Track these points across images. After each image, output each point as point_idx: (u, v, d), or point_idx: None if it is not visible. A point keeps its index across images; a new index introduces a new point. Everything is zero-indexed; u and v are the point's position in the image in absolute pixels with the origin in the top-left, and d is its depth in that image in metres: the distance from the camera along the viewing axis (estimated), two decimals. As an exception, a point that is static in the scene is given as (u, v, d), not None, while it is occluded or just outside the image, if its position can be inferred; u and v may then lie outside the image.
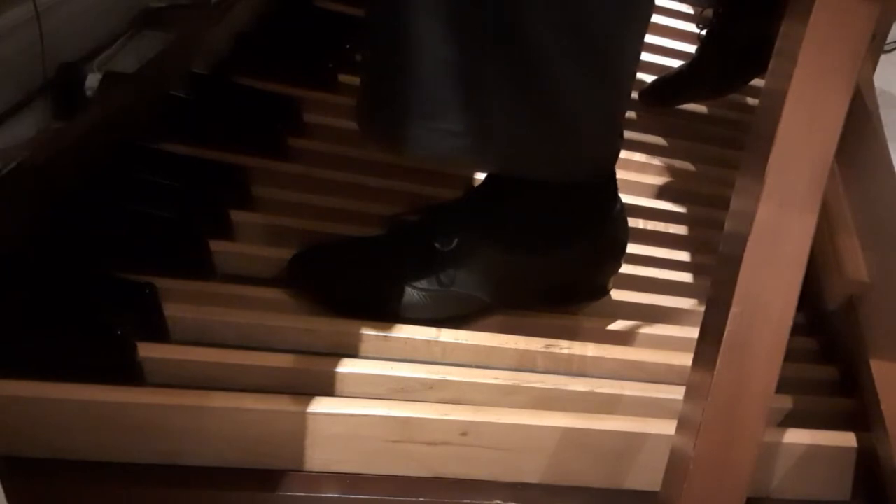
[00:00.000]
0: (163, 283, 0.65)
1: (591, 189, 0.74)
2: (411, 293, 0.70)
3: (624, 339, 0.77)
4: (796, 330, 0.64)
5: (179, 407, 0.58)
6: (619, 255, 0.78)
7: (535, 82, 0.64)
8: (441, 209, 0.75)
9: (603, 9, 0.63)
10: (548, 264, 0.74)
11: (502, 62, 0.63)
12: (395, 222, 0.78)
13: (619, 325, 0.78)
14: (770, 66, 0.60)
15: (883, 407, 0.71)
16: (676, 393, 0.67)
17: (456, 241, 0.70)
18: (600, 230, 0.76)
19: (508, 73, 0.63)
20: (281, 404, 0.60)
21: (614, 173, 0.76)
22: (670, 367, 0.74)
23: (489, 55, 0.62)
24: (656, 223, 0.93)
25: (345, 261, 0.73)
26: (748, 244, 0.54)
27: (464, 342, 0.70)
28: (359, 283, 0.71)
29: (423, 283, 0.71)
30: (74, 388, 0.56)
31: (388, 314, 0.70)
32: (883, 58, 1.02)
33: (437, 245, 0.71)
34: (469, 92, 0.63)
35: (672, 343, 0.77)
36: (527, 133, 0.66)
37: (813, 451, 0.69)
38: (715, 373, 0.54)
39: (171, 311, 0.65)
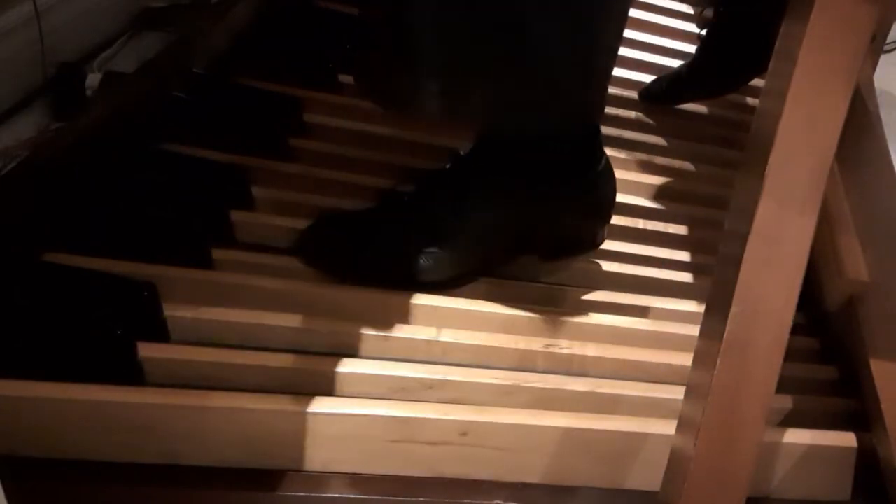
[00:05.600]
0: (163, 283, 0.65)
1: (573, 145, 0.76)
2: (419, 258, 0.74)
3: (624, 339, 0.76)
4: (796, 330, 0.64)
5: (180, 407, 0.58)
6: (607, 209, 0.81)
7: (513, 35, 0.66)
8: (433, 177, 0.79)
9: None
10: (535, 219, 0.77)
11: (481, 18, 0.65)
12: (392, 195, 0.82)
13: (619, 324, 0.78)
14: (770, 66, 0.60)
15: (883, 407, 0.71)
16: (676, 393, 0.67)
17: (450, 205, 0.75)
18: (585, 185, 0.78)
19: (487, 27, 0.65)
20: (281, 404, 0.60)
21: (598, 129, 0.78)
22: (670, 367, 0.74)
23: (469, 12, 0.65)
24: (656, 223, 0.93)
25: (356, 234, 0.76)
26: (748, 244, 0.54)
27: (464, 342, 0.70)
28: (374, 254, 0.75)
29: (431, 248, 0.74)
30: (74, 388, 0.57)
31: (401, 280, 0.74)
32: (883, 58, 1.02)
33: (435, 211, 0.75)
34: (448, 51, 0.67)
35: (672, 343, 0.77)
36: (505, 88, 0.69)
37: (813, 451, 0.69)
38: (715, 373, 0.54)
39: (171, 311, 0.65)
